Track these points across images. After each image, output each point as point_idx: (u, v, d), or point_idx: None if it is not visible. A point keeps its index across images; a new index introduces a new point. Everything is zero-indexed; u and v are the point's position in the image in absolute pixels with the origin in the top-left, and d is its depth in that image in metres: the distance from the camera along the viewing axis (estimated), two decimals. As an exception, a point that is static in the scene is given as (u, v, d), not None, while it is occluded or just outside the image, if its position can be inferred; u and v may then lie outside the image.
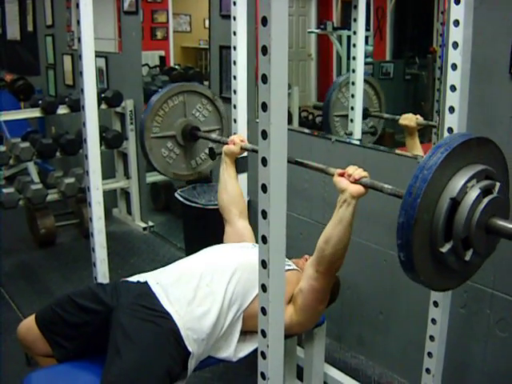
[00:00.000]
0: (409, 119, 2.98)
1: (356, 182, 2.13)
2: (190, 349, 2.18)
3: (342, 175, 2.19)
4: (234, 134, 3.02)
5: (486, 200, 1.60)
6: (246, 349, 2.37)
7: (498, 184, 1.66)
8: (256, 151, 2.77)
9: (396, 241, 1.57)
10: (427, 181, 1.54)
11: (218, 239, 2.77)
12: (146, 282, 2.36)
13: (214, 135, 3.05)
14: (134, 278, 2.43)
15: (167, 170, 3.06)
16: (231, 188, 2.81)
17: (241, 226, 2.79)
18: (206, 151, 3.13)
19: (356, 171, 2.16)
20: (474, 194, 1.59)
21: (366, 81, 3.41)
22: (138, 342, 2.10)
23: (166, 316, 2.20)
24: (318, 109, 3.92)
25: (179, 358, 2.17)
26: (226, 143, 2.83)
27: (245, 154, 2.92)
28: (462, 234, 1.57)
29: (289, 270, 2.42)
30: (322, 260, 2.19)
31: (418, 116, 2.98)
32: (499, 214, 1.64)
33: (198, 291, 2.30)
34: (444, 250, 1.58)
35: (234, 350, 2.33)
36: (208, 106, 3.16)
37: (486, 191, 1.62)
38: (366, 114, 3.43)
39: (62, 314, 2.28)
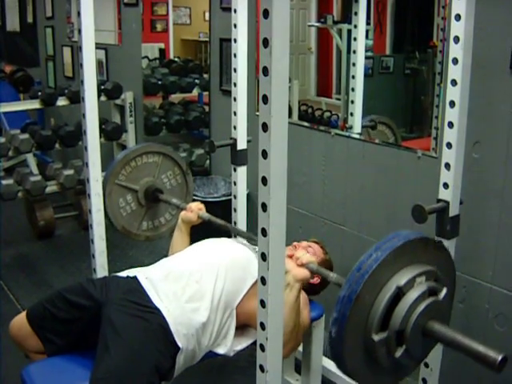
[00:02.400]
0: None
1: (303, 265, 2.15)
2: (179, 344, 2.17)
3: (290, 257, 2.20)
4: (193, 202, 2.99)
5: (429, 300, 1.60)
6: (244, 342, 2.38)
7: (444, 289, 1.65)
8: (211, 222, 2.76)
9: (333, 314, 1.55)
10: (378, 261, 1.54)
11: (216, 232, 2.77)
12: (135, 277, 2.36)
13: (174, 200, 3.05)
14: (123, 273, 2.44)
15: (117, 221, 3.05)
16: (177, 249, 2.75)
17: None
18: (167, 216, 3.19)
19: (304, 256, 2.18)
20: (420, 290, 1.58)
21: (383, 123, 3.42)
22: (126, 337, 2.10)
23: (156, 311, 2.20)
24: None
25: (168, 353, 2.16)
26: (185, 209, 2.84)
27: (244, 145, 2.91)
28: (398, 326, 1.55)
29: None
30: None
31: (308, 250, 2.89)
32: (439, 319, 1.62)
33: (187, 288, 2.30)
34: (376, 338, 1.55)
35: (230, 345, 2.33)
36: (178, 177, 3.22)
37: (431, 292, 1.61)
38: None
39: (53, 310, 2.28)
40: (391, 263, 1.57)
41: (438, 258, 1.71)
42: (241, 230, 2.76)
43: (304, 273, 2.15)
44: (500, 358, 1.47)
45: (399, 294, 1.56)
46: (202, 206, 2.83)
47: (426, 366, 2.34)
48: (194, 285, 2.31)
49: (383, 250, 1.56)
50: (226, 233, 2.78)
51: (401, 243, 1.58)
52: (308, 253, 2.54)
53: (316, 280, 2.50)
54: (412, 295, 1.57)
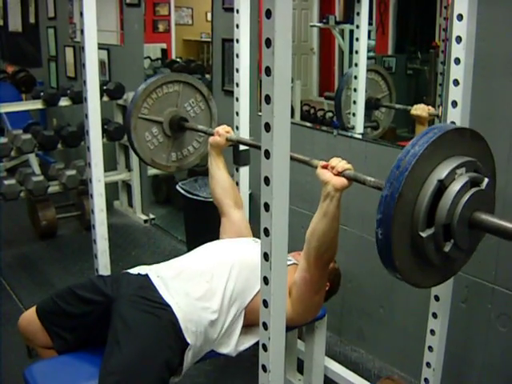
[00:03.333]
0: (421, 109, 2.97)
1: (339, 174, 2.08)
2: (188, 341, 2.18)
3: (325, 167, 2.14)
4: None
5: (473, 190, 1.57)
6: (247, 342, 2.38)
7: (486, 179, 1.63)
8: (241, 142, 2.79)
9: (376, 216, 1.52)
10: (417, 156, 1.51)
11: (219, 232, 2.78)
12: (146, 275, 2.37)
13: (200, 126, 3.03)
14: (134, 270, 2.44)
15: (146, 155, 3.02)
16: (222, 179, 2.81)
17: (237, 217, 2.79)
18: (194, 144, 3.14)
19: (339, 163, 2.11)
20: (462, 181, 1.56)
21: (373, 70, 3.41)
22: (137, 333, 2.11)
23: (166, 308, 2.21)
24: (329, 99, 3.90)
25: (178, 349, 2.17)
26: (212, 134, 2.83)
27: (243, 147, 2.92)
28: (444, 220, 1.53)
29: (289, 264, 2.41)
30: (310, 252, 2.15)
31: (430, 107, 2.96)
32: (483, 210, 1.59)
33: (198, 287, 2.31)
34: (424, 234, 1.53)
35: (234, 345, 2.34)
36: (201, 103, 3.16)
37: (473, 183, 1.59)
38: (377, 105, 3.42)
39: (63, 305, 2.29)
40: (430, 157, 1.54)
41: (475, 149, 1.68)
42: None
43: (342, 181, 2.07)
44: None
45: (441, 187, 1.54)
46: (229, 128, 2.82)
47: (428, 365, 2.34)
48: (204, 284, 2.32)
49: (420, 145, 1.53)
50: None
51: (437, 136, 1.54)
52: None
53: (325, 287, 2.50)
54: (454, 187, 1.54)
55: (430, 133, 1.55)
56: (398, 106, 3.40)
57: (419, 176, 1.54)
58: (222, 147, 2.81)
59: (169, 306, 2.21)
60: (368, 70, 3.36)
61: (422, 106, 2.98)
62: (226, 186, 2.81)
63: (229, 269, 2.35)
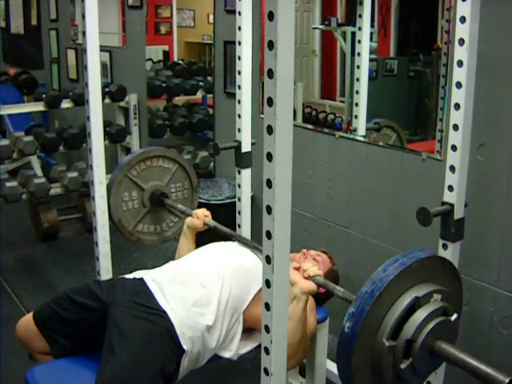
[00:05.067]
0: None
1: (309, 278, 2.13)
2: (184, 347, 2.17)
3: (297, 269, 2.18)
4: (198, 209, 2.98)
5: (443, 318, 1.61)
6: (248, 346, 2.38)
7: (455, 315, 1.67)
8: (217, 229, 2.75)
9: (348, 309, 1.57)
10: (405, 266, 1.57)
11: (221, 234, 2.77)
12: (141, 279, 2.37)
13: (180, 205, 3.06)
14: (130, 275, 2.44)
15: (116, 213, 3.01)
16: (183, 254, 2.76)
17: None
18: (163, 226, 3.18)
19: (312, 268, 2.15)
20: (436, 306, 1.61)
21: (388, 126, 3.42)
22: (131, 340, 2.10)
23: (162, 314, 2.20)
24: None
25: (173, 356, 2.16)
26: (190, 215, 2.84)
27: (248, 148, 2.91)
28: (410, 335, 1.56)
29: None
30: None
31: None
32: (447, 341, 1.63)
33: (194, 291, 2.30)
34: (387, 343, 1.56)
35: (235, 349, 2.34)
36: (186, 192, 3.23)
37: (445, 312, 1.63)
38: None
39: (59, 310, 2.29)
40: (415, 273, 1.60)
41: (453, 284, 1.75)
42: (246, 239, 2.74)
43: (311, 285, 2.13)
44: (507, 380, 1.49)
45: (415, 305, 1.58)
46: (207, 212, 2.83)
47: None
48: (200, 288, 2.31)
49: (410, 258, 1.60)
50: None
51: (427, 256, 1.63)
52: (317, 262, 2.55)
53: (322, 290, 2.49)
54: (428, 309, 1.59)
55: (420, 252, 1.64)
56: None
57: (401, 285, 1.59)
58: (197, 230, 2.81)
59: (164, 311, 2.21)
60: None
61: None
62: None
63: (223, 273, 2.36)
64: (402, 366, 1.58)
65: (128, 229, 3.06)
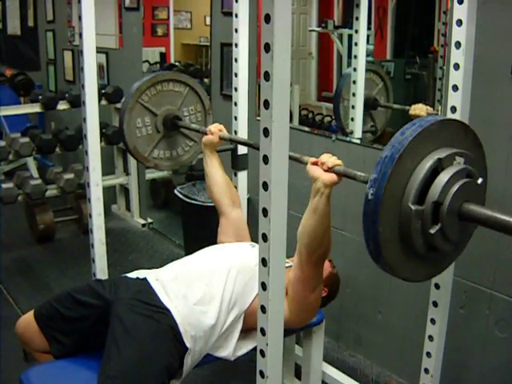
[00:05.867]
0: (419, 109, 2.95)
1: (329, 170, 2.07)
2: (187, 345, 2.18)
3: (315, 164, 2.14)
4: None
5: (468, 180, 1.55)
6: (245, 347, 2.38)
7: (481, 178, 1.61)
8: (233, 140, 2.77)
9: (370, 175, 1.50)
10: (423, 127, 1.50)
11: (217, 233, 2.77)
12: (145, 278, 2.37)
13: (193, 125, 3.02)
14: (133, 274, 2.44)
15: (131, 140, 2.94)
16: (217, 178, 2.79)
17: (235, 216, 2.78)
18: (179, 150, 3.12)
19: (330, 159, 2.10)
20: (460, 167, 1.54)
21: (371, 70, 3.41)
22: (136, 337, 2.11)
23: (165, 312, 2.21)
24: (328, 99, 3.88)
25: (177, 353, 2.17)
26: (205, 133, 2.82)
27: (242, 152, 2.91)
28: (437, 197, 1.49)
29: (287, 267, 2.41)
30: (302, 250, 2.14)
31: (428, 107, 2.94)
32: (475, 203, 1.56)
33: (197, 290, 2.30)
34: (413, 207, 1.50)
35: (233, 349, 2.33)
36: (199, 114, 3.16)
37: (469, 175, 1.57)
38: (375, 105, 3.41)
39: (60, 309, 2.29)
40: (435, 135, 1.53)
41: (475, 151, 1.67)
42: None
43: (332, 177, 2.05)
44: None
45: (438, 167, 1.52)
46: (221, 126, 2.82)
47: (426, 371, 2.34)
48: (203, 287, 2.31)
49: (428, 121, 1.53)
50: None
51: (446, 118, 1.56)
52: None
53: (323, 293, 2.48)
54: (452, 170, 1.52)
55: (441, 116, 1.54)
56: (396, 106, 3.39)
57: (421, 148, 1.52)
58: (215, 145, 2.80)
59: (168, 309, 2.21)
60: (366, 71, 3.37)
61: (420, 105, 2.97)
62: (222, 185, 2.79)
63: (227, 272, 2.35)
64: (432, 230, 1.52)
65: (144, 155, 3.00)
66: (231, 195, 2.81)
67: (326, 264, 2.62)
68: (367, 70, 3.37)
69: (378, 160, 1.50)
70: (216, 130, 2.77)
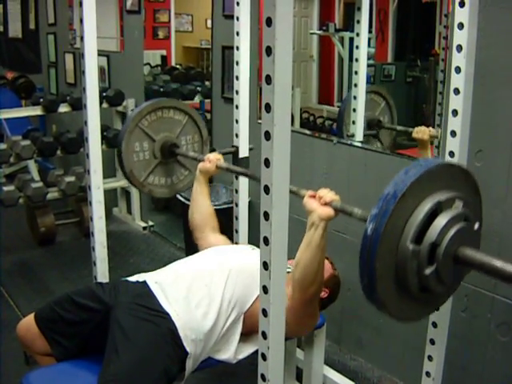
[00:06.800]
0: (422, 132, 2.96)
1: (326, 204, 2.10)
2: (187, 349, 2.18)
3: (312, 197, 2.16)
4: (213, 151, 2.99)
5: (466, 224, 1.57)
6: (246, 350, 2.37)
7: (477, 223, 1.63)
8: (231, 171, 2.76)
9: (371, 210, 1.50)
10: (427, 168, 1.51)
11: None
12: (144, 282, 2.37)
13: (191, 153, 3.04)
14: (133, 278, 2.45)
15: (128, 163, 2.95)
16: (203, 207, 2.80)
17: (213, 239, 2.76)
18: (173, 178, 3.13)
19: (328, 194, 2.13)
20: (458, 211, 1.56)
21: (372, 91, 3.41)
22: (135, 341, 2.11)
23: (165, 316, 2.21)
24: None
25: (177, 358, 2.17)
26: (203, 161, 2.82)
27: (246, 153, 2.91)
28: (435, 239, 1.51)
29: (288, 272, 2.40)
30: (295, 285, 2.14)
31: (431, 128, 2.95)
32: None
33: (197, 292, 2.31)
34: (411, 247, 1.50)
35: (234, 351, 2.33)
36: (196, 145, 3.17)
37: (467, 219, 1.59)
38: (379, 126, 3.42)
39: (61, 312, 2.29)
40: (438, 177, 1.55)
41: (473, 197, 1.69)
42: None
43: (329, 211, 2.08)
44: None
45: (437, 210, 1.53)
46: (220, 156, 2.82)
47: (428, 375, 2.33)
48: (203, 288, 2.31)
49: (433, 162, 1.55)
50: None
51: (451, 163, 1.61)
52: None
53: (324, 294, 2.48)
54: (451, 213, 1.53)
55: (443, 159, 1.58)
56: (399, 127, 3.40)
57: (423, 189, 1.53)
58: (210, 174, 2.81)
59: (167, 313, 2.22)
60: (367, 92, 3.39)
61: (423, 128, 2.97)
62: (206, 214, 2.80)
63: (228, 273, 2.35)
64: (427, 271, 1.52)
65: (140, 180, 3.01)
66: (213, 224, 2.81)
67: (327, 265, 2.62)
68: (368, 92, 3.38)
69: (380, 196, 1.51)
70: (214, 158, 2.78)
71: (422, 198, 1.54)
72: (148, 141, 3.00)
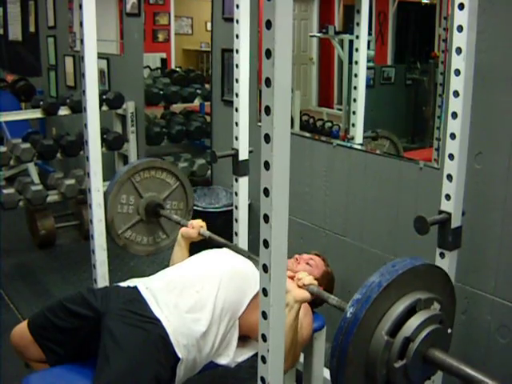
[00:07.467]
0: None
1: (303, 287, 2.14)
2: (179, 355, 2.17)
3: (291, 278, 2.18)
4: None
5: (440, 326, 1.62)
6: (245, 354, 2.38)
7: (450, 329, 1.68)
8: (212, 240, 2.75)
9: (354, 295, 1.56)
10: (414, 265, 1.61)
11: (216, 245, 2.77)
12: (135, 287, 2.37)
13: (175, 216, 3.08)
14: (124, 283, 2.45)
15: (111, 211, 3.00)
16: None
17: None
18: (156, 237, 3.19)
19: (307, 277, 2.17)
20: (435, 312, 1.62)
21: (386, 137, 3.43)
22: (126, 348, 2.10)
23: (156, 322, 2.20)
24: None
25: (168, 364, 2.16)
26: (186, 226, 2.84)
27: (243, 157, 2.91)
28: (410, 334, 1.56)
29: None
30: None
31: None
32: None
33: (188, 298, 2.31)
34: (386, 337, 1.56)
35: (233, 356, 2.33)
36: (180, 212, 3.23)
37: (441, 322, 1.64)
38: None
39: (53, 319, 2.29)
40: (420, 275, 1.62)
41: (450, 302, 1.77)
42: (242, 249, 2.75)
43: (304, 294, 2.14)
44: None
45: (416, 307, 1.59)
46: (203, 223, 2.84)
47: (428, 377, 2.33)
48: (194, 295, 2.31)
49: (418, 261, 1.63)
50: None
51: (435, 265, 1.71)
52: (311, 266, 2.55)
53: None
54: (428, 313, 1.60)
55: (417, 259, 1.66)
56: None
57: (407, 284, 1.60)
58: (191, 239, 2.82)
59: (158, 320, 2.21)
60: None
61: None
62: None
63: (218, 278, 2.36)
64: (396, 365, 1.57)
65: (117, 231, 3.05)
66: None
67: (320, 262, 2.64)
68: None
69: (365, 283, 1.57)
70: (197, 225, 2.80)
71: (404, 293, 1.61)
72: (135, 196, 3.07)
